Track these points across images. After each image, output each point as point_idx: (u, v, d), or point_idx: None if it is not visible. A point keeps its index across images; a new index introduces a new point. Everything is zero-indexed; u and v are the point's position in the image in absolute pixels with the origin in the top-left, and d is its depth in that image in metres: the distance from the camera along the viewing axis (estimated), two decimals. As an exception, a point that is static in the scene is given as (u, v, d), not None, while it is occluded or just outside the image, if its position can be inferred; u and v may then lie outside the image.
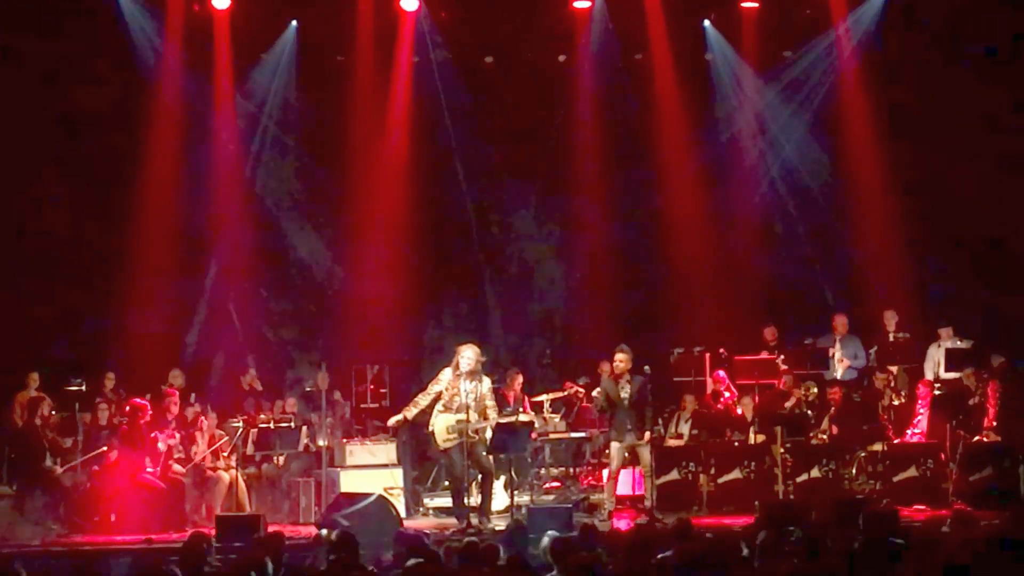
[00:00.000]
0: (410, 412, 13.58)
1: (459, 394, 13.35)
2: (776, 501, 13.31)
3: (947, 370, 15.36)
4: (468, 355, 13.39)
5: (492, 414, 13.47)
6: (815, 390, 15.19)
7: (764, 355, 16.04)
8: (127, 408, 14.41)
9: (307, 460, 15.07)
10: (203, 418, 14.92)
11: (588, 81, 18.01)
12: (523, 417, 14.16)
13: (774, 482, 14.38)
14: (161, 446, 14.13)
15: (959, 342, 15.53)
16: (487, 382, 13.59)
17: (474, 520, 13.29)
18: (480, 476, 13.64)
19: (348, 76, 17.58)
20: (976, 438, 14.42)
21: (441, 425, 13.42)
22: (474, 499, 13.83)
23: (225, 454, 14.61)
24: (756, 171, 18.50)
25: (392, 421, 13.80)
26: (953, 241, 17.25)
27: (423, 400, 13.51)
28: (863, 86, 17.61)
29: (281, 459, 15.03)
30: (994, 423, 14.39)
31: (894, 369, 15.56)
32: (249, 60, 17.65)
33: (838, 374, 15.89)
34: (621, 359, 13.94)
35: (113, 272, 16.78)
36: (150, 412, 14.31)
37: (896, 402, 15.15)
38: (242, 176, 17.85)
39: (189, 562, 8.21)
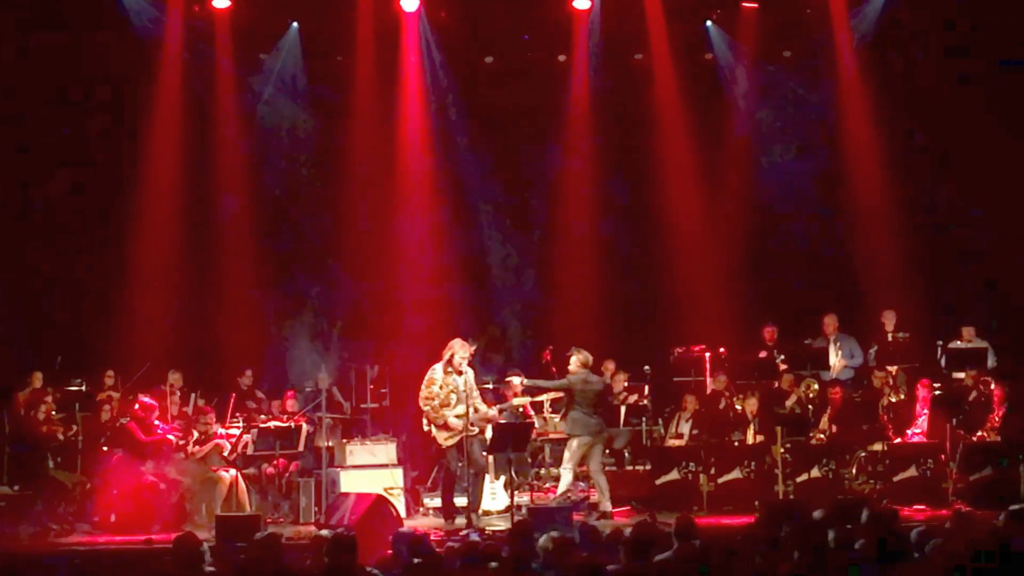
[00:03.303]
0: (451, 419, 13.51)
1: (456, 389, 13.40)
2: (776, 501, 13.31)
3: (946, 369, 15.36)
4: (460, 352, 13.43)
5: (480, 404, 13.62)
6: (816, 386, 15.20)
7: (763, 355, 16.07)
8: (136, 407, 14.41)
9: (307, 460, 15.07)
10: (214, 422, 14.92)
11: (588, 81, 18.01)
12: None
13: (774, 482, 14.39)
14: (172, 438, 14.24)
15: (980, 341, 15.49)
16: (470, 372, 13.70)
17: (461, 519, 13.37)
18: (473, 474, 13.67)
19: (348, 76, 17.60)
20: (979, 433, 14.42)
21: (441, 423, 13.48)
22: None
23: (225, 453, 14.63)
24: (756, 170, 18.49)
25: (451, 442, 13.63)
26: (952, 241, 17.24)
27: (434, 403, 13.50)
28: (864, 85, 17.62)
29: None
30: (998, 424, 14.36)
31: (893, 369, 15.56)
32: (250, 60, 17.68)
33: (835, 374, 15.89)
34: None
35: (114, 270, 16.81)
36: (157, 412, 14.37)
37: (895, 399, 15.15)
38: (244, 176, 17.86)
39: (184, 564, 8.20)
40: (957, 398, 14.83)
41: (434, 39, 17.71)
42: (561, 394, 14.12)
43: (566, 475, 13.82)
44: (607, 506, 13.72)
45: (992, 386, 14.71)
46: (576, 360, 13.89)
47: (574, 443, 13.83)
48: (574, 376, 13.91)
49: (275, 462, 14.86)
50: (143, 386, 15.03)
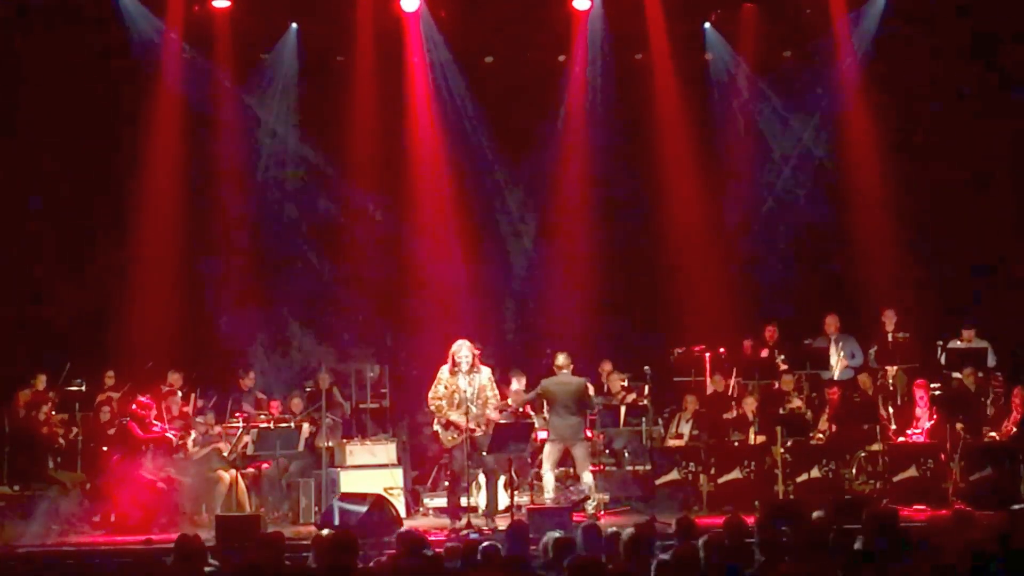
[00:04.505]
0: (453, 416, 13.45)
1: (458, 390, 13.39)
2: (776, 501, 13.32)
3: (947, 369, 15.36)
4: (464, 352, 13.43)
5: (492, 403, 13.51)
6: (809, 416, 15.14)
7: (747, 344, 16.12)
8: (132, 407, 14.42)
9: (307, 460, 15.07)
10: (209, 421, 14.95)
11: (588, 81, 18.01)
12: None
13: (774, 482, 14.40)
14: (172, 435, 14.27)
15: (980, 342, 15.48)
16: (486, 372, 13.61)
17: (476, 520, 13.38)
18: (483, 476, 13.68)
19: (348, 76, 17.60)
20: (991, 435, 14.40)
21: (444, 422, 13.47)
22: (474, 499, 13.88)
23: (225, 454, 14.64)
24: (755, 170, 18.48)
25: (454, 442, 13.53)
26: (952, 242, 17.23)
27: (441, 403, 13.49)
28: (865, 85, 17.62)
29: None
30: (1014, 428, 14.33)
31: (892, 369, 15.56)
32: (250, 60, 17.69)
33: (836, 374, 15.90)
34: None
35: (114, 271, 16.82)
36: (155, 411, 14.37)
37: (880, 400, 15.13)
38: (244, 176, 17.87)
39: (186, 564, 8.21)
40: (959, 398, 14.83)
41: (439, 38, 17.70)
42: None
43: (546, 476, 13.87)
44: (591, 507, 13.68)
45: (993, 387, 14.70)
46: (555, 363, 14.00)
47: (546, 446, 13.99)
48: (547, 380, 13.97)
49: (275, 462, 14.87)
50: (143, 386, 15.03)
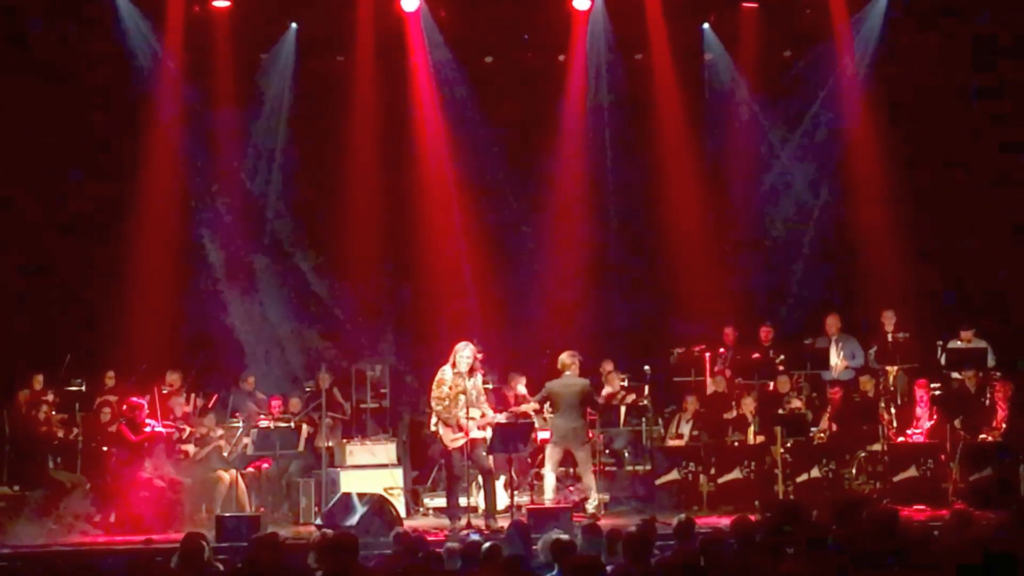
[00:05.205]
0: (464, 419, 13.42)
1: (464, 391, 13.40)
2: (776, 501, 13.32)
3: (946, 369, 15.36)
4: (466, 353, 13.44)
5: (486, 408, 13.60)
6: (809, 416, 15.14)
7: (756, 355, 16.11)
8: (124, 407, 14.44)
9: (307, 460, 15.07)
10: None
11: (587, 81, 18.02)
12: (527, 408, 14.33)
13: (774, 482, 14.41)
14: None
15: (979, 342, 15.48)
16: (479, 378, 13.72)
17: (475, 520, 13.39)
18: (480, 476, 13.68)
19: (348, 76, 17.60)
20: (982, 436, 14.41)
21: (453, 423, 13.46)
22: (473, 499, 13.89)
23: (225, 453, 14.65)
24: (755, 171, 18.49)
25: (457, 443, 13.46)
26: (951, 243, 17.23)
27: (446, 403, 13.48)
28: (865, 84, 17.62)
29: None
30: (1003, 424, 14.35)
31: (892, 369, 15.56)
32: (249, 61, 17.69)
33: (836, 375, 15.90)
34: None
35: (113, 272, 16.81)
36: (147, 411, 14.36)
37: (882, 403, 15.13)
38: (241, 177, 17.87)
39: (188, 563, 8.21)
40: (959, 398, 14.83)
41: (439, 38, 17.71)
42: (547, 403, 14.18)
43: (547, 476, 13.88)
44: (591, 507, 13.69)
45: (995, 384, 14.69)
46: (560, 363, 14.02)
47: (548, 447, 14.00)
48: (552, 381, 13.98)
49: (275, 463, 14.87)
50: (143, 387, 15.02)
